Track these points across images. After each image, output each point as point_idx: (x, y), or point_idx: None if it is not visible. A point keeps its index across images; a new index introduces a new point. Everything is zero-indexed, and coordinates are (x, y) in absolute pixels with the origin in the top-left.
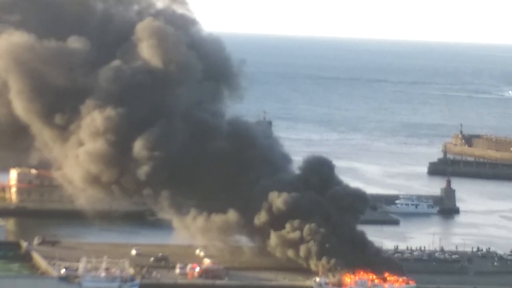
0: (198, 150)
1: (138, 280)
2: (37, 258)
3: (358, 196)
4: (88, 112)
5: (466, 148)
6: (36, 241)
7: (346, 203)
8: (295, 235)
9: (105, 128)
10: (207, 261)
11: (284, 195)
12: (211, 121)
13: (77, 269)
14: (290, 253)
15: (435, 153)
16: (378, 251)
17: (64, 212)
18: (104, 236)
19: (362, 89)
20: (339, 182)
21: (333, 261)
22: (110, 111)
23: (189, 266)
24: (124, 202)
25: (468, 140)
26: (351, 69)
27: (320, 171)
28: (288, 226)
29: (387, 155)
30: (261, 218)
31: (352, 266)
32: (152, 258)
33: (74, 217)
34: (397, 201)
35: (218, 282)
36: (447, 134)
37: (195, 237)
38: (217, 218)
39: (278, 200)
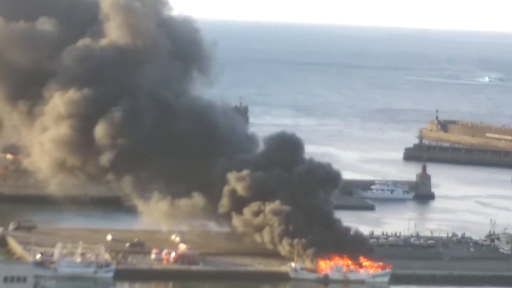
0: (161, 132)
1: (113, 266)
2: (13, 243)
3: (328, 173)
4: (50, 96)
5: (441, 134)
6: (11, 226)
7: (314, 181)
8: (259, 219)
9: (67, 112)
10: (182, 247)
11: (244, 179)
12: (174, 101)
13: (52, 255)
14: (258, 238)
15: (410, 139)
16: (347, 231)
17: (40, 198)
18: (79, 222)
19: (338, 75)
20: (305, 159)
21: (296, 241)
22: (73, 94)
23: (164, 251)
24: (99, 188)
25: (444, 125)
26: (326, 55)
27: (284, 147)
28: (247, 210)
29: (363, 140)
30: (224, 205)
31: (320, 246)
32: (127, 244)
33: (49, 202)
34: (372, 187)
35: (194, 267)
36: (423, 120)
37: (159, 222)
38: (182, 203)
39: (238, 185)
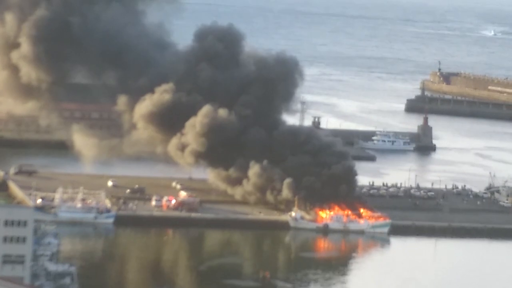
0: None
1: (114, 211)
2: (14, 187)
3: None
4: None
5: (444, 86)
6: (12, 170)
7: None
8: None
9: None
10: (183, 194)
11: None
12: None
13: (53, 200)
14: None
15: (412, 90)
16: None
17: (41, 142)
18: (80, 167)
19: (339, 25)
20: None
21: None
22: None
23: (165, 198)
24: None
25: (446, 77)
26: (330, 5)
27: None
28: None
29: (364, 91)
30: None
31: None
32: (128, 190)
33: (51, 147)
34: (374, 138)
35: (194, 214)
36: (425, 72)
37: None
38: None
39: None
